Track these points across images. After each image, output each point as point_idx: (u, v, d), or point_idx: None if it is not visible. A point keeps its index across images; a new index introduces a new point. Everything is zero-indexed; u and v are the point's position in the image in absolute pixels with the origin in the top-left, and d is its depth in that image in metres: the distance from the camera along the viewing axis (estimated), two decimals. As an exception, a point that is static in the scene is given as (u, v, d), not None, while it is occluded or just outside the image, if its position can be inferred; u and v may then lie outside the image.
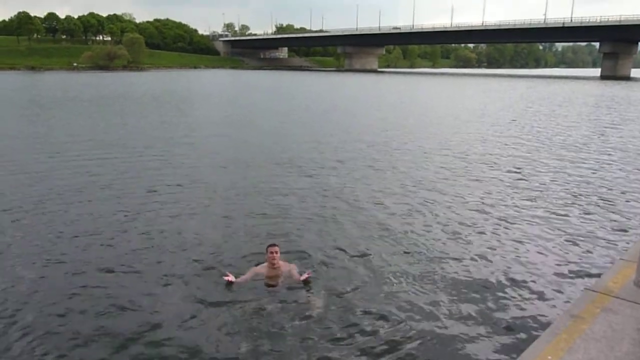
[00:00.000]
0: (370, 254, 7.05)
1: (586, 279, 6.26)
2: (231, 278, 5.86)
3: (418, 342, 4.86)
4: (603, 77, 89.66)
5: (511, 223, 8.54)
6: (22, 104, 32.30)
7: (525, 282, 6.24)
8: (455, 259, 6.93)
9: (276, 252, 6.02)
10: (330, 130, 20.56)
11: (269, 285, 5.91)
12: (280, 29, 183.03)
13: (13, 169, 12.64)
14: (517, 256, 7.07)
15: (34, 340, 4.85)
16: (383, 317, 5.28)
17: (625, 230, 8.23)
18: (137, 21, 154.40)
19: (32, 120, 23.36)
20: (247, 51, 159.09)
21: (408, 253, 7.11)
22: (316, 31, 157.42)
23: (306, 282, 5.94)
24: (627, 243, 7.49)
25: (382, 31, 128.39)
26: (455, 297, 5.78)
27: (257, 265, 6.28)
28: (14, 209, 9.22)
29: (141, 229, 8.17)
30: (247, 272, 6.11)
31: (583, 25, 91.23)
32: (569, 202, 9.93)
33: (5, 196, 10.10)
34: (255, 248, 7.11)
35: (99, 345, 4.79)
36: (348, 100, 37.80)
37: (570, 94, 45.57)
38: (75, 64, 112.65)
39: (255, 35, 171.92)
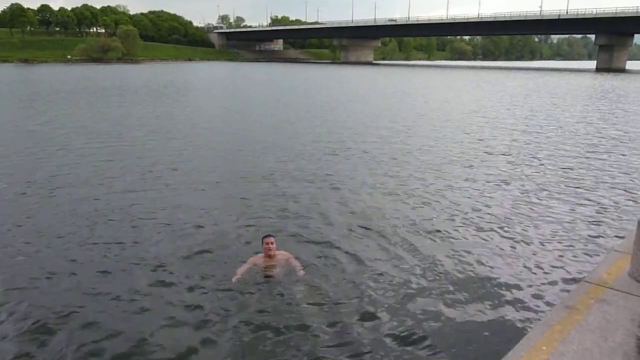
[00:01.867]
0: (370, 241, 7.11)
1: (580, 271, 6.29)
2: (236, 278, 5.86)
3: (411, 330, 4.89)
4: (598, 70, 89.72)
5: (505, 214, 8.56)
6: (23, 97, 32.19)
7: (519, 273, 6.27)
8: (450, 249, 6.96)
9: (272, 243, 6.07)
10: (330, 120, 20.52)
11: (266, 275, 5.94)
12: (275, 21, 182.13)
13: (27, 158, 13.06)
14: (511, 248, 7.09)
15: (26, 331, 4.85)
16: (379, 304, 5.32)
17: (620, 222, 8.26)
18: (131, 13, 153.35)
19: (36, 113, 23.49)
20: (242, 43, 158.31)
21: (406, 241, 7.13)
22: (311, 23, 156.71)
23: (303, 270, 5.99)
24: (622, 234, 7.53)
25: (377, 23, 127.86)
26: (448, 287, 5.81)
27: (254, 255, 6.31)
28: (19, 193, 9.69)
29: (139, 216, 8.34)
30: (244, 264, 6.13)
31: (578, 17, 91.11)
32: (563, 193, 9.96)
33: (15, 182, 10.54)
34: (257, 233, 7.21)
35: (95, 335, 4.79)
36: (347, 92, 37.66)
37: (568, 87, 45.59)
38: (69, 57, 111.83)
39: (250, 27, 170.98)
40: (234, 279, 5.81)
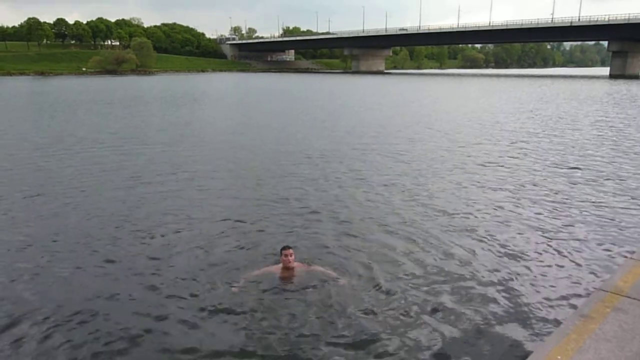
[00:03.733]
0: (384, 252, 7.09)
1: (596, 279, 6.21)
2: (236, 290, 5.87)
3: (427, 338, 4.86)
4: (612, 76, 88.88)
5: (520, 221, 8.49)
6: (45, 107, 32.94)
7: (534, 281, 6.20)
8: (464, 256, 6.91)
9: (290, 255, 6.09)
10: (346, 126, 20.56)
11: (284, 286, 5.94)
12: (287, 32, 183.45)
13: (54, 161, 13.82)
14: (526, 256, 7.03)
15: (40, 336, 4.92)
16: (396, 317, 5.29)
17: (636, 229, 8.15)
18: (145, 25, 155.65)
19: (60, 121, 24.35)
20: (254, 54, 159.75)
21: (420, 249, 7.11)
22: (323, 33, 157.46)
23: (322, 282, 6.00)
24: (638, 242, 7.43)
25: (388, 32, 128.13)
26: (463, 295, 5.78)
27: (272, 265, 6.35)
28: (47, 194, 10.27)
29: (159, 218, 8.70)
30: (259, 269, 6.15)
31: (591, 24, 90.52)
32: (580, 200, 9.86)
33: (45, 183, 11.42)
34: (277, 241, 7.32)
35: (111, 341, 4.83)
36: (361, 101, 37.74)
37: (587, 93, 45.20)
38: (84, 69, 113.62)
39: (262, 38, 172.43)
40: (242, 280, 5.87)
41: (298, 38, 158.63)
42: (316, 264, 6.51)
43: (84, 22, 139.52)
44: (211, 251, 7.14)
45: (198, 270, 6.47)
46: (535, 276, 6.36)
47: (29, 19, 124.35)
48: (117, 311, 5.45)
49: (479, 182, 11.50)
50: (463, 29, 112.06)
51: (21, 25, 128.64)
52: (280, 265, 6.16)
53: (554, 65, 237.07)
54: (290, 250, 6.14)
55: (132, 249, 7.30)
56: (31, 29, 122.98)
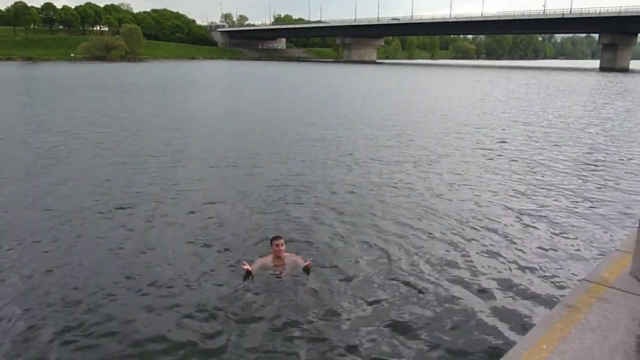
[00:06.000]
0: (373, 240, 7.13)
1: (582, 269, 6.29)
2: (248, 267, 5.87)
3: (413, 329, 4.91)
4: (602, 69, 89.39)
5: (505, 212, 8.56)
6: (41, 94, 32.56)
7: (521, 272, 6.27)
8: (451, 247, 6.97)
9: (282, 244, 6.09)
10: (339, 116, 20.56)
11: (275, 277, 5.94)
12: (278, 20, 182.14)
13: (52, 147, 13.29)
14: (513, 246, 7.09)
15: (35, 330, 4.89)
16: (384, 306, 5.34)
17: (621, 221, 8.25)
18: (135, 11, 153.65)
19: (55, 108, 23.96)
20: (245, 42, 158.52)
21: (411, 241, 7.14)
22: (314, 22, 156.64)
23: (308, 271, 5.99)
24: (623, 233, 7.52)
25: (381, 22, 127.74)
26: (449, 287, 5.82)
27: (262, 256, 6.32)
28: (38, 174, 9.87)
29: (148, 209, 8.62)
30: (254, 263, 6.13)
31: (582, 16, 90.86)
32: (566, 192, 9.95)
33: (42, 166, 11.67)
34: (267, 232, 7.27)
35: (105, 332, 4.82)
36: (354, 91, 37.68)
37: (580, 86, 45.46)
38: (72, 55, 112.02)
39: (253, 26, 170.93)
40: (249, 275, 5.85)
41: (290, 26, 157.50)
42: (307, 254, 6.51)
43: (73, 7, 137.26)
44: (204, 242, 7.09)
45: (187, 261, 6.44)
46: (521, 267, 6.42)
47: (16, 2, 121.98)
48: (100, 303, 5.40)
49: (462, 171, 11.57)
50: (455, 19, 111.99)
51: (7, 10, 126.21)
52: (271, 255, 6.15)
53: (545, 57, 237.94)
54: (281, 240, 6.13)
55: (124, 238, 7.25)
56: (18, 14, 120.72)
